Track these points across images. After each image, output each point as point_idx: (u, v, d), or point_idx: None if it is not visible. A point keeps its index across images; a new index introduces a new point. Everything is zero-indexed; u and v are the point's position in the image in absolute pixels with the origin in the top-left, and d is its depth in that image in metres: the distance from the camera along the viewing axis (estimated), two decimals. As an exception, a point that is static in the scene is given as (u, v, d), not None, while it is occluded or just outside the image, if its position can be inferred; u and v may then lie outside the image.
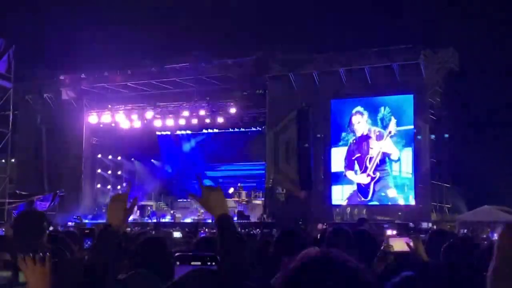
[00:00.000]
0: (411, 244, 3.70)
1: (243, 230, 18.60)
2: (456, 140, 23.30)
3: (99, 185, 30.58)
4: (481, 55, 23.05)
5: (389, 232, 7.51)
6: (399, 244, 3.84)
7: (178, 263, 1.06)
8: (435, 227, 17.07)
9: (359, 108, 24.71)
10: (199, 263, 1.08)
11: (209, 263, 1.90)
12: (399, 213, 24.01)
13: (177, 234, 10.79)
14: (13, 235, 4.12)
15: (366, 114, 24.62)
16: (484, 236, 8.92)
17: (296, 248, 4.17)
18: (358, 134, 24.77)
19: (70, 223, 19.92)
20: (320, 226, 14.02)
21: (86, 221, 25.37)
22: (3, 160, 24.38)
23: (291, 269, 1.41)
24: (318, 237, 6.62)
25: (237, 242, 2.35)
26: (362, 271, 1.40)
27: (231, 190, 28.05)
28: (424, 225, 18.13)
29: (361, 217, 23.65)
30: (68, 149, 28.20)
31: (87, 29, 26.83)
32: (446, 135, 24.34)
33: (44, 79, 27.51)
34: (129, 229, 15.46)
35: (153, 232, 12.04)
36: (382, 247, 4.00)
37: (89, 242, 4.12)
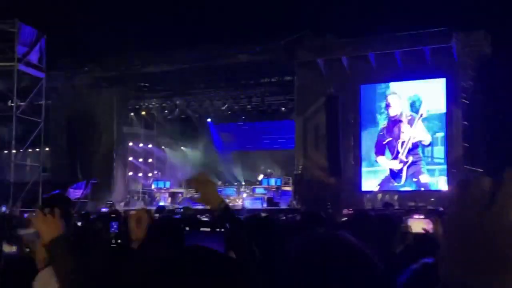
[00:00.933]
0: (431, 225, 3.64)
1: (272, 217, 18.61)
2: (489, 124, 22.81)
3: (130, 173, 30.99)
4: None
5: (416, 216, 7.40)
6: (418, 225, 3.77)
7: (187, 228, 1.05)
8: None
9: (394, 89, 24.41)
10: (208, 228, 1.08)
11: (218, 229, 1.86)
12: (432, 199, 23.71)
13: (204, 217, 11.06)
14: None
15: (399, 96, 24.35)
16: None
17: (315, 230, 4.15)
18: (392, 115, 24.47)
19: (103, 210, 20.22)
20: (345, 211, 13.91)
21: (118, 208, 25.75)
22: (37, 149, 24.84)
23: (295, 246, 1.42)
24: (342, 222, 6.59)
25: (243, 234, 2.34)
26: (367, 255, 1.39)
27: (260, 177, 28.12)
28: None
29: (387, 202, 23.57)
30: (99, 137, 28.63)
31: (113, 16, 27.04)
32: (479, 120, 23.85)
33: (75, 68, 27.88)
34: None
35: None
36: (401, 228, 3.95)
37: (115, 226, 4.18)
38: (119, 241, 3.83)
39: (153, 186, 30.68)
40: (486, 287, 0.62)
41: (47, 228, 2.58)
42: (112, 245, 3.89)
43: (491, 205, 0.65)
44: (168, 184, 30.14)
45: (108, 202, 24.20)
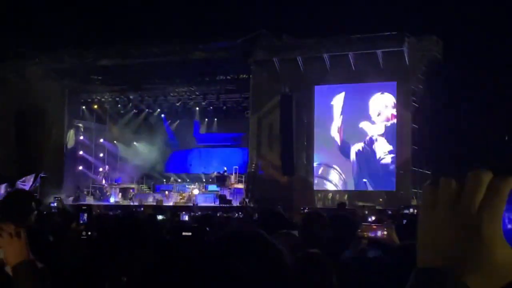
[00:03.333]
0: (385, 232, 3.81)
1: (224, 214, 18.66)
2: (438, 127, 23.50)
3: (80, 167, 30.45)
4: (464, 43, 23.21)
5: (369, 219, 7.66)
6: (373, 231, 3.94)
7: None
8: (415, 212, 17.25)
9: (341, 95, 24.86)
10: (189, 233, 1.13)
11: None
12: (380, 199, 24.28)
13: (160, 217, 10.88)
14: (0, 214, 4.16)
15: (348, 100, 24.79)
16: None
17: (275, 229, 4.26)
18: (341, 120, 24.93)
19: (52, 205, 19.78)
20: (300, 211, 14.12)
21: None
22: (-16, 142, 24.13)
23: (214, 240, 1.49)
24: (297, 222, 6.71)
25: None
26: (279, 251, 1.46)
27: (214, 174, 28.11)
28: (407, 211, 18.33)
29: (342, 202, 23.96)
30: (49, 130, 28.00)
31: (68, 7, 26.50)
32: (427, 123, 24.53)
33: (25, 59, 27.16)
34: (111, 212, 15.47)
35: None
36: (357, 233, 4.12)
37: (84, 217, 4.21)
38: (89, 233, 3.87)
39: (103, 181, 30.23)
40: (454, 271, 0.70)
41: (12, 250, 2.45)
42: (82, 237, 3.93)
43: (457, 205, 0.71)
44: (119, 179, 29.83)
45: (56, 197, 23.62)
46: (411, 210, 15.56)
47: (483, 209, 0.69)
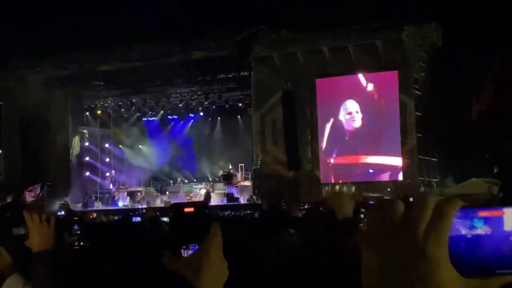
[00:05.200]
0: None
1: (232, 213, 18.69)
2: (441, 114, 23.37)
3: (87, 173, 30.56)
4: (463, 28, 23.05)
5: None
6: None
7: (172, 213, 1.05)
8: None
9: (350, 101, 24.80)
10: (191, 209, 1.06)
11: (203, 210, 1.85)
12: (388, 189, 24.22)
13: (165, 219, 10.86)
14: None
15: (355, 102, 24.72)
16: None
17: (274, 228, 4.24)
18: (345, 113, 24.87)
19: (59, 213, 19.85)
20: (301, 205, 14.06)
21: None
22: (-10, 152, 24.24)
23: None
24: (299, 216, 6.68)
25: None
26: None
27: (220, 173, 28.14)
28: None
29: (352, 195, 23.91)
30: (54, 138, 28.11)
31: (66, 14, 26.57)
32: (431, 110, 24.41)
33: (28, 68, 27.27)
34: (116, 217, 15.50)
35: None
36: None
37: (76, 227, 4.21)
38: (81, 243, 3.87)
39: (111, 186, 30.35)
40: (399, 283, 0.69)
41: (39, 236, 2.45)
42: (75, 247, 3.93)
43: (403, 226, 0.69)
44: (126, 183, 29.94)
45: (62, 203, 23.71)
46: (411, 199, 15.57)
47: (429, 232, 0.68)
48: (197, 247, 1.09)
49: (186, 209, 1.11)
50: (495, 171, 1.06)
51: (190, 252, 1.10)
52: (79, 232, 4.15)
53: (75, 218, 4.40)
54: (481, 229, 0.70)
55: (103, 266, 3.20)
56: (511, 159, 1.02)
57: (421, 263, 0.68)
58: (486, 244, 0.70)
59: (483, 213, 0.71)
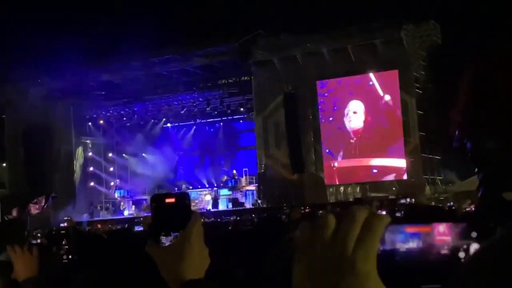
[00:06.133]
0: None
1: (237, 218, 18.68)
2: (443, 112, 23.32)
3: (92, 183, 30.58)
4: (461, 24, 23.05)
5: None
6: None
7: (154, 204, 1.08)
8: (413, 201, 17.18)
9: (354, 101, 24.78)
10: (172, 199, 1.09)
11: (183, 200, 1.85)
12: (393, 188, 24.19)
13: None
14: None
15: (360, 103, 24.72)
16: (467, 207, 9.01)
17: (274, 234, 4.24)
18: (349, 113, 24.86)
19: (62, 225, 19.88)
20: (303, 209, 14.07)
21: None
22: (-6, 165, 24.31)
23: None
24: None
25: None
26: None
27: (224, 178, 28.13)
28: (403, 201, 18.22)
29: (356, 196, 23.91)
30: (58, 149, 28.18)
31: (66, 26, 26.67)
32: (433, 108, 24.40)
33: (29, 80, 27.34)
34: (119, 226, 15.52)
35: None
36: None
37: (64, 242, 4.23)
38: (70, 256, 3.89)
39: (116, 195, 30.36)
40: None
41: (23, 266, 2.58)
42: (64, 261, 3.94)
43: (334, 239, 0.70)
44: (130, 192, 29.94)
45: (66, 218, 23.57)
46: (409, 200, 15.33)
47: (358, 247, 0.69)
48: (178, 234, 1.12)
49: (167, 200, 1.14)
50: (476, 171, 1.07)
51: (172, 239, 1.13)
52: (67, 246, 4.19)
53: (62, 232, 4.42)
54: (414, 243, 0.72)
55: (87, 278, 3.20)
56: (489, 160, 1.03)
57: (350, 277, 0.68)
58: (417, 258, 0.71)
59: (411, 229, 0.73)
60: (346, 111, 24.88)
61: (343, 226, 0.70)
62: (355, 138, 24.72)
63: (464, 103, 1.14)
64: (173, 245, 1.12)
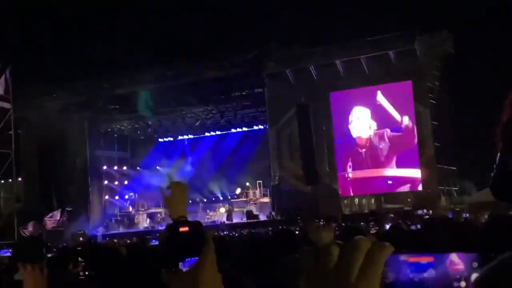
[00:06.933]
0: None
1: (252, 230, 18.65)
2: (458, 122, 23.18)
3: (107, 197, 30.73)
4: (475, 34, 22.93)
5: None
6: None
7: (168, 233, 1.15)
8: (430, 212, 17.06)
9: (358, 107, 24.71)
10: (186, 228, 1.16)
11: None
12: (408, 200, 24.03)
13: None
14: (13, 263, 4.21)
15: (366, 109, 24.64)
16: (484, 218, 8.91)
17: (288, 248, 4.21)
18: (359, 128, 24.80)
19: (81, 239, 19.98)
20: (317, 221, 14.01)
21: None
22: (10, 180, 24.50)
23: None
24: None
25: None
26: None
27: (238, 191, 28.13)
28: (419, 212, 18.13)
29: (371, 208, 23.79)
30: (73, 163, 28.38)
31: (79, 41, 26.94)
32: (448, 119, 24.27)
33: (43, 95, 27.64)
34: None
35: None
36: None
37: (80, 259, 4.27)
38: (86, 272, 3.90)
39: (130, 208, 30.47)
40: None
41: (33, 285, 2.64)
42: (80, 277, 3.96)
43: (337, 269, 0.71)
44: (145, 205, 30.04)
45: (80, 232, 23.67)
46: (425, 210, 15.19)
47: (361, 276, 0.70)
48: (192, 260, 1.18)
49: (181, 229, 1.20)
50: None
51: (186, 266, 1.19)
52: (84, 263, 4.23)
53: (78, 248, 4.46)
54: (428, 272, 0.74)
55: None
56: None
57: None
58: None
59: (413, 259, 0.76)
60: (350, 118, 24.83)
61: (347, 256, 0.72)
62: (364, 149, 24.59)
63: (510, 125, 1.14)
64: (187, 272, 1.18)
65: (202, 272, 1.18)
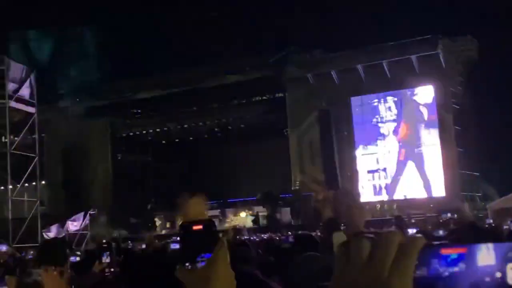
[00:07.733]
0: None
1: (272, 235, 18.60)
2: (481, 128, 22.92)
3: (128, 200, 30.85)
4: (499, 39, 22.67)
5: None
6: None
7: (182, 231, 1.17)
8: (455, 216, 16.83)
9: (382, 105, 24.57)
10: (200, 226, 1.18)
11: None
12: (431, 205, 23.78)
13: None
14: (38, 265, 4.28)
15: (390, 108, 24.49)
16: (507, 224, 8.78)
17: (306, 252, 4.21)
18: (383, 131, 24.65)
19: (103, 240, 20.11)
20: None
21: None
22: (34, 183, 24.77)
23: None
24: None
25: None
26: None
27: (258, 196, 28.07)
28: (444, 215, 17.91)
29: (395, 214, 23.58)
30: (95, 167, 28.61)
31: (100, 45, 27.18)
32: (471, 124, 24.02)
33: (66, 99, 27.95)
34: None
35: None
36: None
37: (105, 255, 4.34)
38: (111, 269, 3.96)
39: (152, 212, 30.58)
40: None
41: (52, 287, 2.71)
42: (106, 274, 4.02)
43: (369, 263, 0.70)
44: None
45: (103, 234, 23.78)
46: (449, 215, 14.98)
47: (394, 271, 0.69)
48: (206, 256, 1.19)
49: (195, 227, 1.22)
50: None
51: (200, 263, 1.21)
52: (108, 261, 4.30)
53: (103, 246, 4.52)
54: (457, 267, 0.72)
55: None
56: None
57: None
58: (461, 283, 0.71)
59: (446, 251, 0.73)
60: (382, 130, 24.63)
61: (379, 250, 0.70)
62: (390, 156, 24.40)
63: None
64: (200, 269, 1.21)
65: (214, 269, 1.20)
